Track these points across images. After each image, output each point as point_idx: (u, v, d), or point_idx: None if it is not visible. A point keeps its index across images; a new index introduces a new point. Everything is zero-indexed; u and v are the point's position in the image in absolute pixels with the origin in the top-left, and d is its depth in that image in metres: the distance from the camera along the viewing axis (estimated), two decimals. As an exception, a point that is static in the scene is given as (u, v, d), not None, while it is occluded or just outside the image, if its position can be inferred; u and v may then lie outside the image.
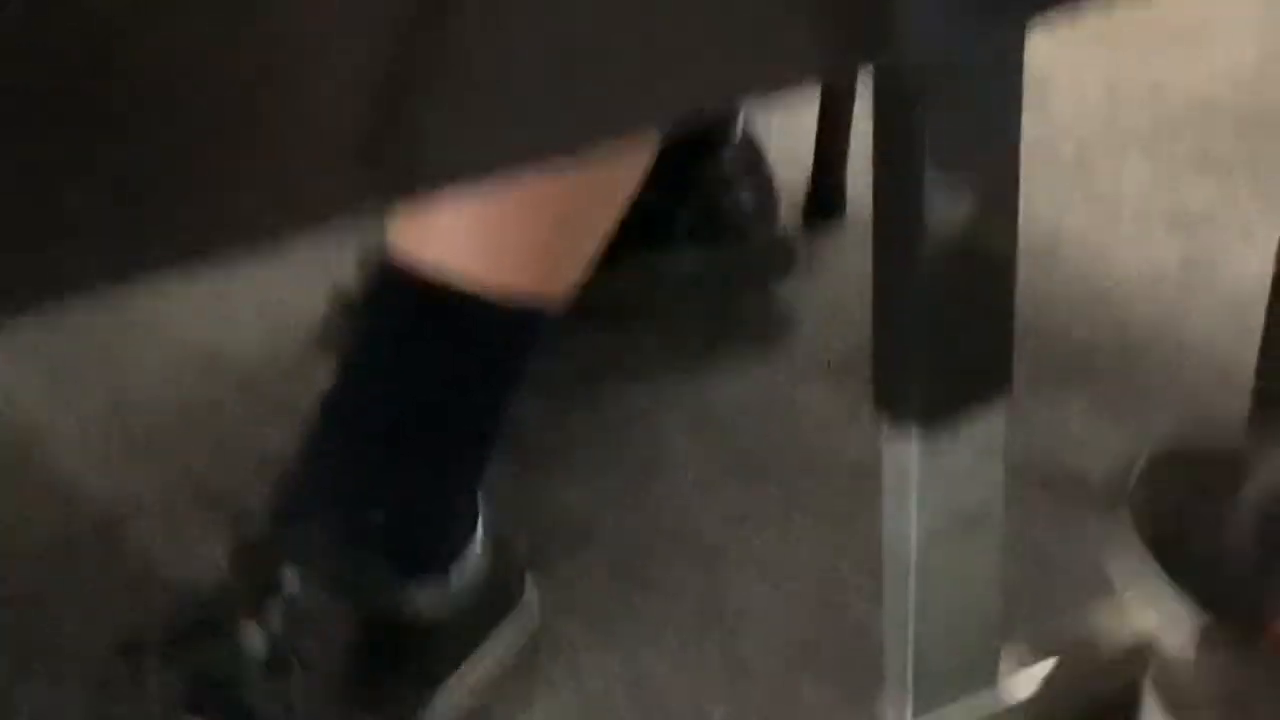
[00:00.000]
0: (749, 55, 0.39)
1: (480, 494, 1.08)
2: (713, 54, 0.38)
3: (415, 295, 1.03)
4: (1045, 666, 1.06)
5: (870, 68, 0.89)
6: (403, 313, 1.05)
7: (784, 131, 1.77)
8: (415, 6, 0.35)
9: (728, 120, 1.44)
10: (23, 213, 0.32)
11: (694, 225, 1.41)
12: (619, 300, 1.41)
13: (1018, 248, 0.97)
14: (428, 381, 1.04)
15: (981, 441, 0.95)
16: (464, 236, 1.02)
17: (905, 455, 0.93)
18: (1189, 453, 1.00)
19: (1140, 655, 1.01)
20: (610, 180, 1.07)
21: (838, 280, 1.51)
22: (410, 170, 0.35)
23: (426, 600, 1.03)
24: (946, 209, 0.90)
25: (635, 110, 0.37)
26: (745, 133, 1.44)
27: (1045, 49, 1.92)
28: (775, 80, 0.40)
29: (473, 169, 0.36)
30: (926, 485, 0.94)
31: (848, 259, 1.53)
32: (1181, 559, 0.93)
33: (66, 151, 0.32)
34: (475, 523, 1.07)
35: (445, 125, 0.36)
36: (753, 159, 1.44)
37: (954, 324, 0.93)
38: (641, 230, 1.40)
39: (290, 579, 1.00)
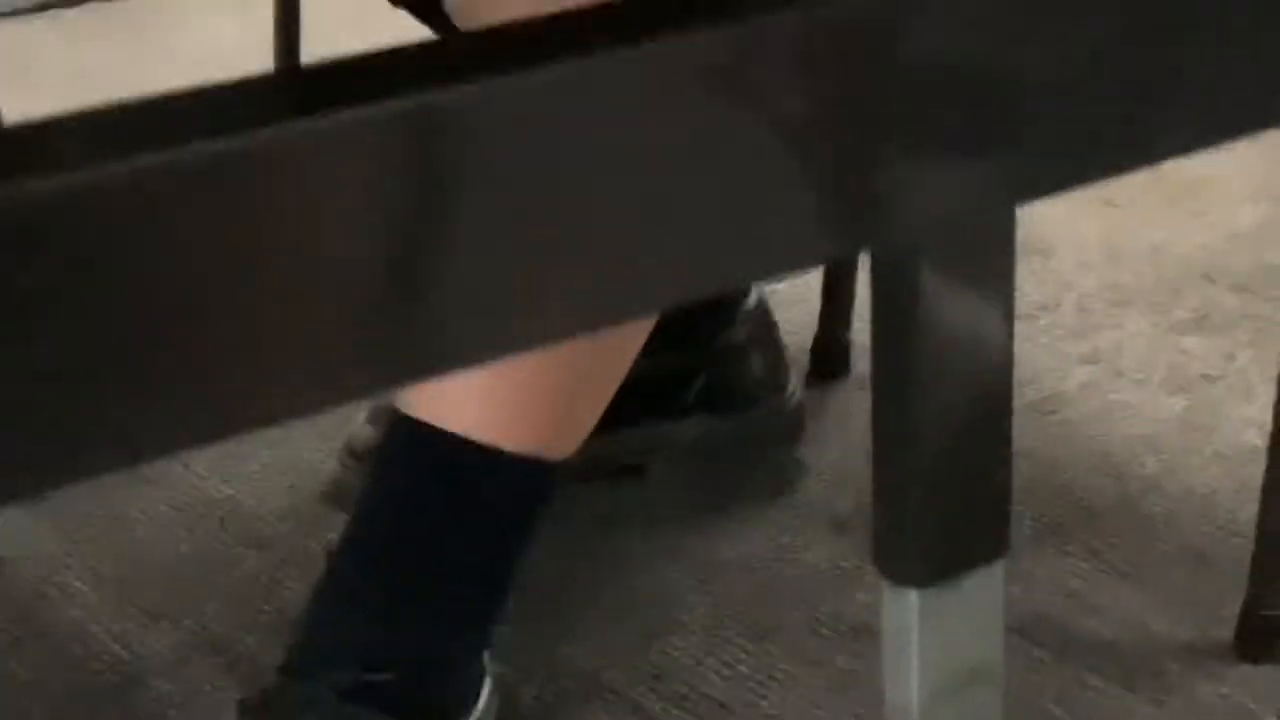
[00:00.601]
0: (748, 244, 0.41)
1: (487, 651, 1.09)
2: (713, 243, 0.40)
3: (425, 450, 1.05)
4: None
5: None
6: (413, 467, 1.07)
7: (789, 290, 1.80)
8: (419, 195, 0.37)
9: (744, 290, 1.47)
10: (20, 402, 0.34)
11: (705, 393, 1.44)
12: (626, 460, 1.44)
13: (1014, 407, 0.98)
14: (438, 536, 1.06)
15: (982, 601, 0.96)
16: (472, 397, 1.04)
17: (906, 614, 0.94)
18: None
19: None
20: (616, 343, 1.09)
21: (843, 437, 1.52)
22: (416, 356, 0.37)
23: (434, 757, 1.04)
24: (943, 371, 0.92)
25: (637, 296, 0.39)
26: (759, 301, 1.47)
27: (1046, 210, 1.96)
28: (775, 265, 0.42)
29: (475, 353, 0.37)
30: (927, 644, 0.95)
31: (853, 416, 1.55)
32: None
33: (61, 339, 0.34)
34: (482, 680, 1.08)
35: (449, 313, 0.37)
36: (765, 327, 1.47)
37: (952, 485, 0.94)
38: (653, 397, 1.43)
39: (300, 736, 1.01)
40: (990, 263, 0.92)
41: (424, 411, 1.05)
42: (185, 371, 0.35)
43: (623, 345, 1.09)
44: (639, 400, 1.42)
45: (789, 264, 0.42)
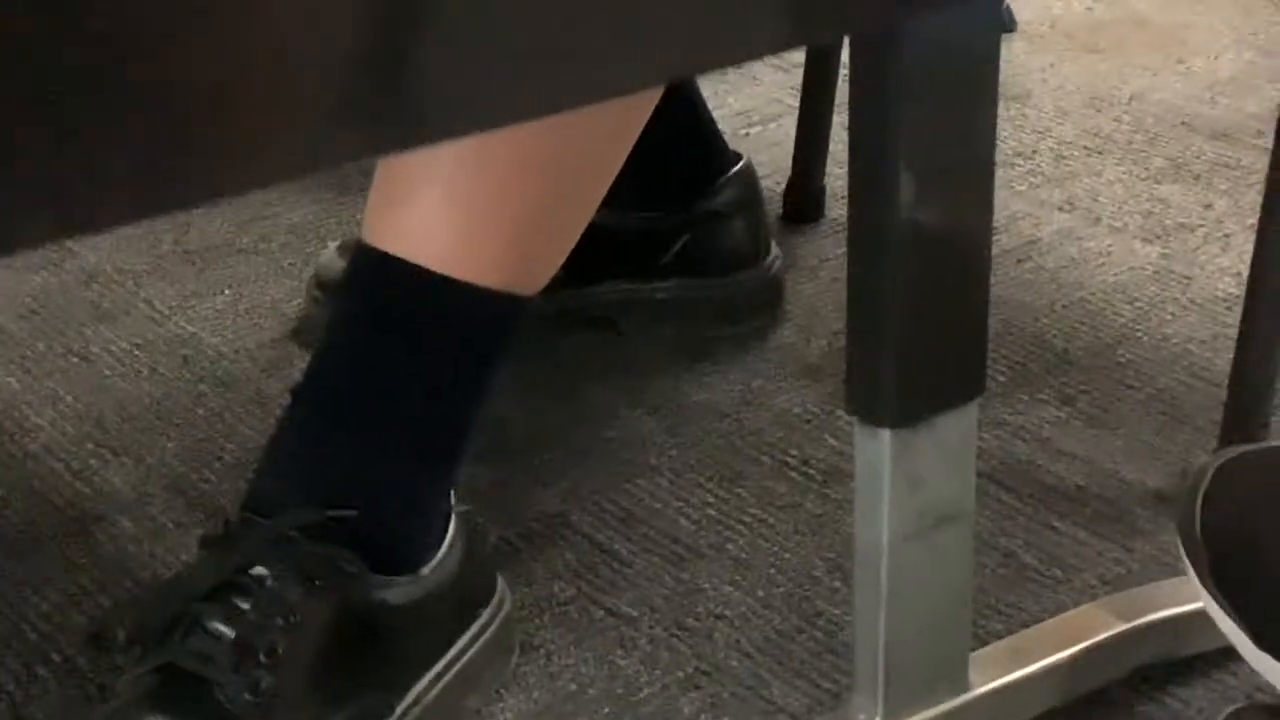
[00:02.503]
0: (732, 22, 0.40)
1: (454, 491, 1.08)
2: (694, 21, 0.39)
3: (390, 281, 1.03)
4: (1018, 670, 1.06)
5: (848, 59, 0.89)
6: (377, 299, 1.05)
7: (764, 133, 1.78)
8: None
9: (730, 158, 1.45)
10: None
11: (684, 256, 1.42)
12: (598, 314, 1.42)
13: (992, 252, 0.97)
14: (401, 369, 1.04)
15: (953, 443, 0.95)
16: (439, 230, 1.02)
17: (878, 455, 0.94)
18: (1254, 464, 0.97)
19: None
20: (585, 176, 1.07)
21: (814, 283, 1.51)
22: (392, 123, 0.36)
23: (398, 596, 1.03)
24: (921, 212, 0.90)
25: (615, 72, 0.38)
26: (744, 168, 1.45)
27: (1025, 59, 1.93)
28: (748, 48, 0.40)
29: (455, 123, 0.36)
30: (898, 485, 0.94)
31: (825, 262, 1.53)
32: (1247, 575, 0.91)
33: (47, 93, 0.33)
34: (448, 520, 1.07)
35: (427, 80, 0.36)
36: (749, 195, 1.46)
37: (927, 326, 0.93)
38: (631, 255, 1.41)
39: (262, 573, 1.00)
40: (973, 95, 0.90)
41: (389, 243, 1.03)
42: (166, 132, 0.34)
43: (589, 179, 1.07)
44: (616, 257, 1.40)
45: (773, 43, 0.40)
